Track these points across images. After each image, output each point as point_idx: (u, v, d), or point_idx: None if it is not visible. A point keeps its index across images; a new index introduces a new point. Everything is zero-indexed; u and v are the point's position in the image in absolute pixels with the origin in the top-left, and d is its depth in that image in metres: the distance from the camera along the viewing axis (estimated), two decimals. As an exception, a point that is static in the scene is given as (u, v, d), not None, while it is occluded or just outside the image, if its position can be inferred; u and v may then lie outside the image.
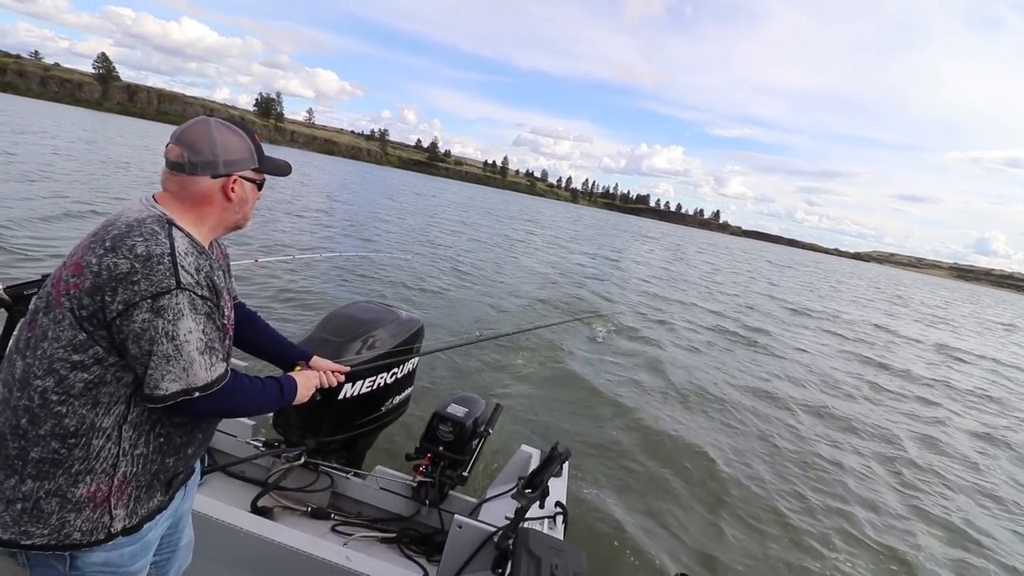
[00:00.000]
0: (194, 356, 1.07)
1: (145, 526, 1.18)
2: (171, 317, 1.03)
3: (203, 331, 1.09)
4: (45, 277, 1.99)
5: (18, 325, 1.15)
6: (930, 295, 53.48)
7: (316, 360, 1.64)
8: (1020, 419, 9.08)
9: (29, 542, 1.05)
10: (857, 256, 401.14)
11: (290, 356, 1.60)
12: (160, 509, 1.22)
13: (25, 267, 6.60)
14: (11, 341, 1.12)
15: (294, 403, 1.44)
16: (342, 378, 1.66)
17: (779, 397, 7.55)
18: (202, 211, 1.19)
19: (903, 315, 24.25)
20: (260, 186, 1.30)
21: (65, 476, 1.05)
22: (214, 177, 1.18)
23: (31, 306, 1.09)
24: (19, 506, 1.04)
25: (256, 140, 1.27)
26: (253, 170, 1.26)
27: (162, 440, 1.15)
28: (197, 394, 1.08)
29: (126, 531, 1.14)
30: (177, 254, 1.06)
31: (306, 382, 1.49)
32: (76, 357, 1.03)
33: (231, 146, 1.20)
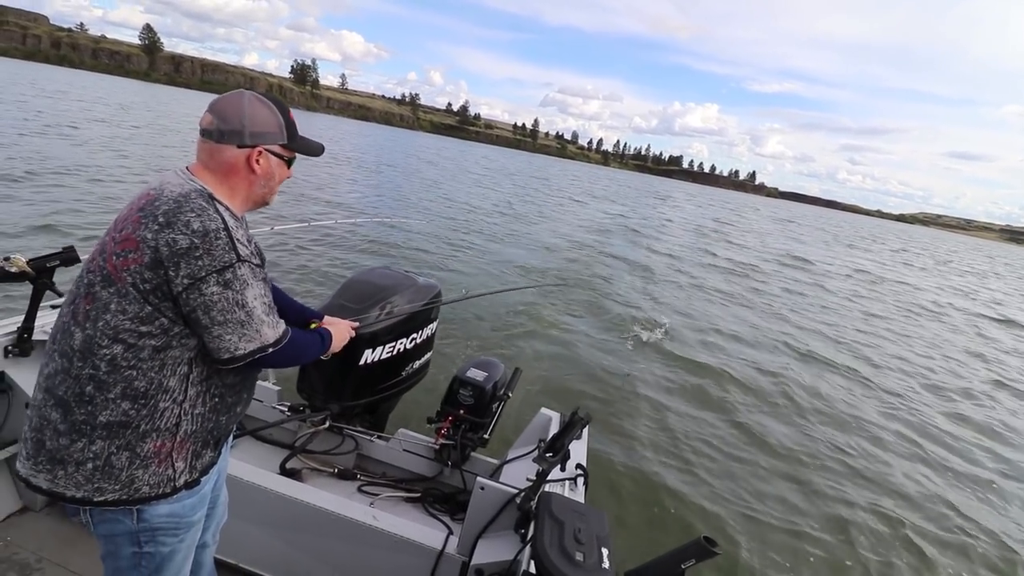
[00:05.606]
0: (263, 318, 1.18)
1: (203, 479, 1.27)
2: (239, 288, 1.12)
3: (264, 295, 1.19)
4: (67, 249, 2.04)
5: (65, 297, 1.17)
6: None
7: (328, 319, 1.71)
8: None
9: (102, 498, 1.12)
10: (901, 218, 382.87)
11: (303, 317, 1.66)
12: (212, 464, 1.30)
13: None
14: (61, 314, 1.15)
15: (331, 351, 1.56)
16: (353, 334, 1.72)
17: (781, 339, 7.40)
18: (231, 183, 1.22)
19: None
20: (289, 164, 1.32)
21: (134, 434, 1.12)
22: (239, 147, 1.20)
23: (84, 279, 1.13)
24: (90, 465, 1.10)
25: (291, 118, 1.29)
26: (281, 146, 1.27)
27: (216, 400, 1.23)
28: (271, 350, 1.20)
29: (188, 484, 1.23)
30: (230, 227, 1.12)
31: (338, 332, 1.60)
32: (144, 328, 1.09)
33: (260, 119, 1.22)
